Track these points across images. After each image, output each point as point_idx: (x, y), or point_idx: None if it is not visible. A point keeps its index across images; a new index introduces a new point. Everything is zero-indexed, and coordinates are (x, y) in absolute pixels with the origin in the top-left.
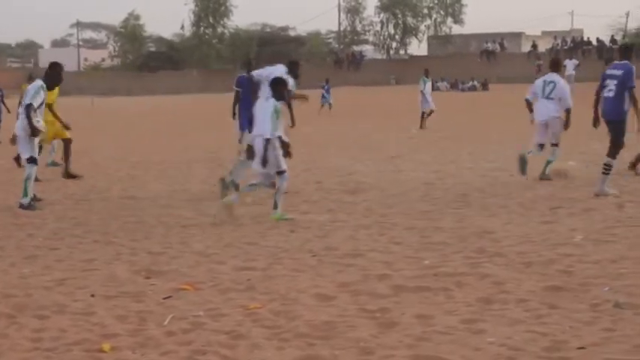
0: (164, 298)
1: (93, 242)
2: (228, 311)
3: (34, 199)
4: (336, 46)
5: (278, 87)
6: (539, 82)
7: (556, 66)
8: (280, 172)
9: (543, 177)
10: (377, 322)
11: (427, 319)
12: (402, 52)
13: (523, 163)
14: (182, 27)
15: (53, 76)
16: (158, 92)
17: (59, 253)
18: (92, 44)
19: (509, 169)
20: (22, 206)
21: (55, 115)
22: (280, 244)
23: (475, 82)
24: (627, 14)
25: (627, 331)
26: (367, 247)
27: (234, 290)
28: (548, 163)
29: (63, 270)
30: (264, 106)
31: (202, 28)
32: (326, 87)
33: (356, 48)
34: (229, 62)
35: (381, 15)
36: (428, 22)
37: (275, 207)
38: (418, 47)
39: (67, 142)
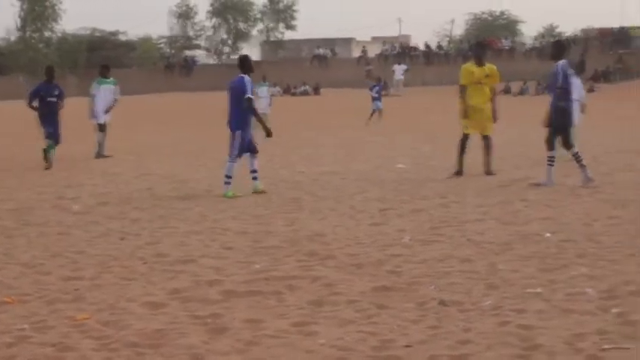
0: None
1: None
2: (54, 323)
3: None
4: (168, 51)
5: None
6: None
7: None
8: None
9: None
10: (207, 328)
11: (258, 324)
12: (234, 57)
13: None
14: (9, 31)
15: None
16: None
17: None
18: None
19: (340, 173)
20: None
21: None
22: (110, 251)
23: (307, 87)
24: (452, 21)
25: (451, 328)
26: (199, 253)
27: (61, 301)
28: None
29: None
30: None
31: (29, 32)
32: (377, 87)
33: (188, 53)
34: (58, 67)
35: (213, 20)
36: (260, 26)
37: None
38: (250, 52)
39: None
